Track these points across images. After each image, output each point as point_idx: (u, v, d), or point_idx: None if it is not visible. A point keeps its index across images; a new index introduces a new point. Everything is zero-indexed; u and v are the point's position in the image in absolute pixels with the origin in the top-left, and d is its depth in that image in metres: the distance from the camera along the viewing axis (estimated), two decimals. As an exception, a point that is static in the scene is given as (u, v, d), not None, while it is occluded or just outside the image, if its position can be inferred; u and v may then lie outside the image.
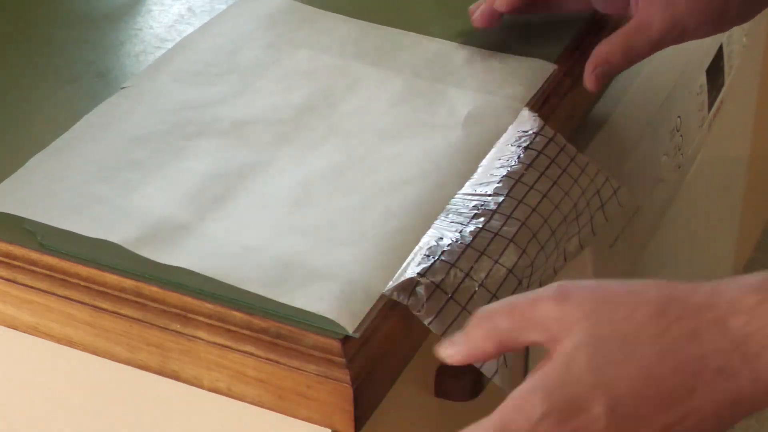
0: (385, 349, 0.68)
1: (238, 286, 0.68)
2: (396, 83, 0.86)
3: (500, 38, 0.91)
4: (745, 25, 1.24)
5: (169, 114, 0.83)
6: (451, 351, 0.63)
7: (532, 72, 0.88)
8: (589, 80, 0.87)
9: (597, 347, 0.59)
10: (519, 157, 0.78)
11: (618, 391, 0.59)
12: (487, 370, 0.69)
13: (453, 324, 0.69)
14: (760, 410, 0.60)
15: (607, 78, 0.88)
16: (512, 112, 0.83)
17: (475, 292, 0.70)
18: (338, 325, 0.66)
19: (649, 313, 0.60)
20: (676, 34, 0.87)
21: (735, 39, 1.22)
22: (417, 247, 0.71)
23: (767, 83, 1.56)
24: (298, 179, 0.77)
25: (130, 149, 0.79)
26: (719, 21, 0.89)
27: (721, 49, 1.17)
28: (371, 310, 0.68)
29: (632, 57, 0.87)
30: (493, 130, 0.82)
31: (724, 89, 1.21)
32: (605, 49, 0.87)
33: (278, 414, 0.68)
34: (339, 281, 0.69)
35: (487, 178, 0.77)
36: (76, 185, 0.76)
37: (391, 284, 0.69)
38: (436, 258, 0.70)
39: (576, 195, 0.79)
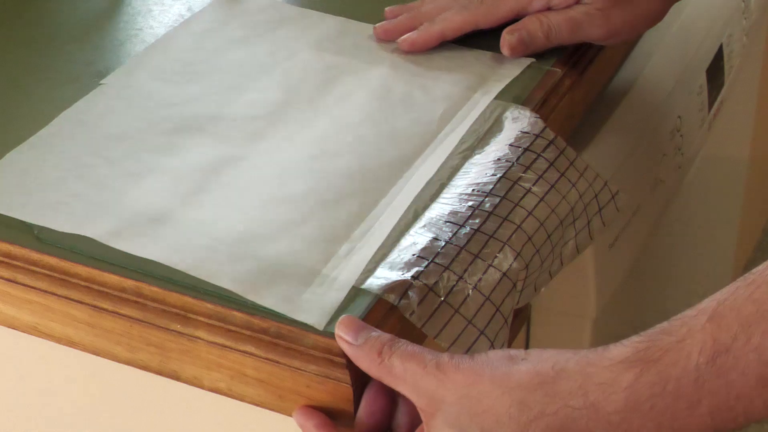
0: (385, 349, 0.68)
1: (208, 280, 0.69)
2: (373, 78, 0.87)
3: (497, 40, 0.91)
4: (745, 25, 1.24)
5: (147, 111, 0.84)
6: (348, 338, 0.65)
7: (500, 65, 0.89)
8: (504, 41, 0.89)
9: None
10: (518, 159, 0.78)
11: None
12: None
13: (446, 327, 0.68)
14: None
15: (523, 46, 0.89)
16: (483, 104, 0.85)
17: (468, 295, 0.70)
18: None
19: (511, 405, 0.61)
20: (610, 40, 0.91)
21: (735, 39, 1.22)
22: (397, 243, 0.72)
23: (767, 83, 1.56)
24: (272, 174, 0.78)
25: (107, 146, 0.80)
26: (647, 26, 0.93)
27: (721, 49, 1.17)
28: (371, 311, 0.68)
29: (558, 40, 0.89)
30: (462, 120, 0.83)
31: (724, 89, 1.21)
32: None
33: (278, 414, 0.68)
34: (308, 279, 0.69)
35: (485, 178, 0.77)
36: (51, 182, 0.77)
37: (382, 284, 0.69)
38: (430, 260, 0.70)
39: (573, 199, 0.79)
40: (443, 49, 0.91)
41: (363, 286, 0.69)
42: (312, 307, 0.68)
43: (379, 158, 0.79)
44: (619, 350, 0.61)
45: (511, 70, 0.88)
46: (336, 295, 0.68)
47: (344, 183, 0.77)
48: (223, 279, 0.69)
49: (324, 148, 0.80)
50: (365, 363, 0.65)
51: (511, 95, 0.86)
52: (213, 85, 0.86)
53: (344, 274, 0.70)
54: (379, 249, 0.72)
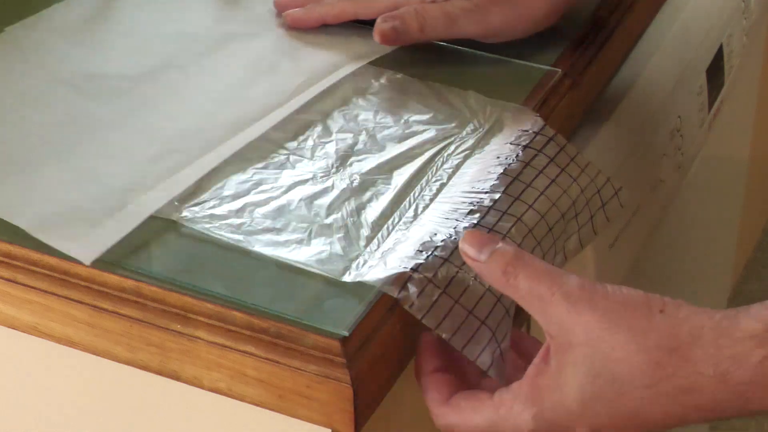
0: (385, 349, 0.68)
1: (8, 220, 0.72)
2: (253, 48, 0.89)
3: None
4: (745, 25, 1.24)
5: (34, 66, 0.86)
6: (472, 254, 0.67)
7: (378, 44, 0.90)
8: (376, 28, 0.88)
9: (589, 380, 0.64)
10: (517, 156, 0.78)
11: (600, 422, 0.65)
12: (482, 363, 0.69)
13: (447, 318, 0.68)
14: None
15: (395, 35, 0.88)
16: (340, 75, 0.86)
17: (468, 286, 0.70)
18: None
19: (646, 363, 0.64)
20: (489, 39, 0.90)
21: (735, 39, 1.22)
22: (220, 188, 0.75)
23: (767, 83, 1.56)
24: (118, 134, 0.80)
25: None
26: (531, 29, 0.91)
27: (721, 49, 1.17)
28: (371, 311, 0.68)
29: (433, 34, 0.88)
30: (315, 90, 0.85)
31: (724, 89, 1.21)
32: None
33: (278, 414, 0.68)
34: (99, 222, 0.72)
35: (484, 175, 0.77)
36: None
37: (381, 276, 0.68)
38: (430, 253, 0.70)
39: (575, 194, 0.79)
40: (338, 27, 0.92)
41: (362, 280, 0.69)
42: (86, 243, 0.70)
43: (218, 120, 0.81)
44: (750, 325, 0.63)
45: (383, 47, 0.89)
46: (112, 235, 0.71)
47: (172, 141, 0.79)
48: (20, 219, 0.72)
49: (170, 111, 0.82)
50: (491, 280, 0.67)
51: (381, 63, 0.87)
52: (102, 45, 0.89)
53: (133, 215, 0.72)
54: (179, 194, 0.74)
